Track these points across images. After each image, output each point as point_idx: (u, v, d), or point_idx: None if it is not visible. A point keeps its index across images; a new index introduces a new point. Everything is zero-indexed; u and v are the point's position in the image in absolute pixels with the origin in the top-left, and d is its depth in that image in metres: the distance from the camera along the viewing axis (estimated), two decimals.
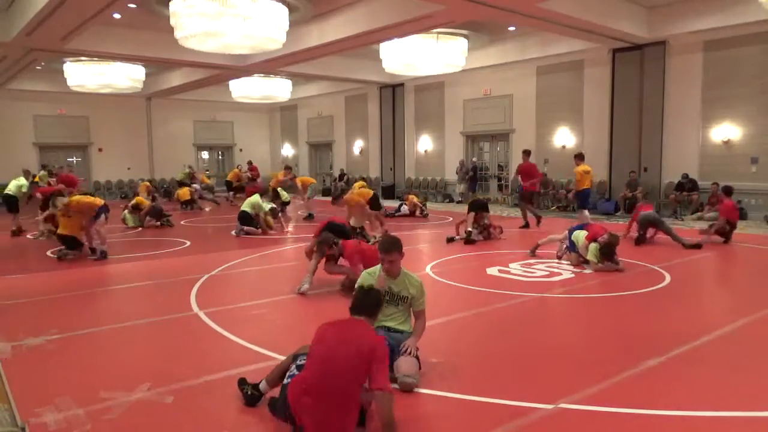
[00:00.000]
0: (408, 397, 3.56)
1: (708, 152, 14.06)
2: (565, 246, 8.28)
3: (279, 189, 14.71)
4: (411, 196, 15.45)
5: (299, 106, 26.56)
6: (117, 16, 13.03)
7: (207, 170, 23.37)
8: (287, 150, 28.06)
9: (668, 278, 7.06)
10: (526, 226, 11.94)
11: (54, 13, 10.91)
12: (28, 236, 11.28)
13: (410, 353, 3.76)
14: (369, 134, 23.38)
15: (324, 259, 6.60)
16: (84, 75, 17.41)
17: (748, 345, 4.61)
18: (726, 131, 13.72)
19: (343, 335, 3.09)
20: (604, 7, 12.62)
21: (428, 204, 16.39)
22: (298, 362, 3.28)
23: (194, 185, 18.90)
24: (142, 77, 18.69)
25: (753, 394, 3.64)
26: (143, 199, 13.84)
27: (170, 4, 10.92)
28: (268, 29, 11.09)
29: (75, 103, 22.46)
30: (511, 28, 14.98)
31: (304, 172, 25.49)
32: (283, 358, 4.15)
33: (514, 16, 12.15)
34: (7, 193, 12.04)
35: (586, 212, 11.68)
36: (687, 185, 14.02)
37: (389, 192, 21.40)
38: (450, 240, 10.15)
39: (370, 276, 4.12)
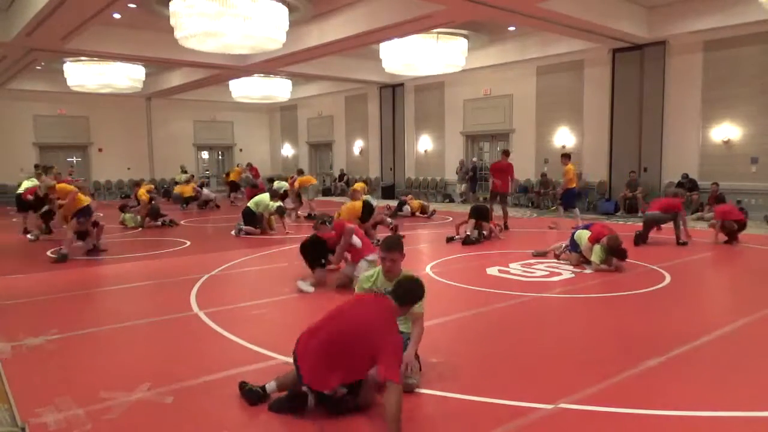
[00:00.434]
0: (408, 397, 3.56)
1: (708, 152, 14.06)
2: (564, 246, 8.28)
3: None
4: (414, 201, 15.38)
5: (299, 106, 26.57)
6: (117, 16, 13.03)
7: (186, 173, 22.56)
8: (287, 150, 28.06)
9: (668, 278, 7.06)
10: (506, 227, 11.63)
11: (54, 13, 10.91)
12: (28, 236, 11.27)
13: (410, 369, 3.58)
14: (369, 134, 23.39)
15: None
16: (84, 75, 17.41)
17: (748, 345, 4.61)
18: (726, 131, 13.72)
19: (369, 305, 3.39)
20: (604, 7, 12.62)
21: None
22: None
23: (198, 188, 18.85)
24: (142, 77, 18.69)
25: (753, 394, 3.64)
26: (144, 193, 13.83)
27: (170, 4, 10.92)
28: (268, 29, 11.09)
29: (75, 103, 22.46)
30: (511, 28, 14.98)
31: (304, 172, 25.47)
32: (283, 358, 4.17)
33: (514, 16, 12.15)
34: (19, 193, 12.05)
35: (577, 210, 11.88)
36: (687, 185, 14.02)
37: (389, 192, 21.40)
38: (450, 240, 10.15)
39: (368, 280, 4.04)
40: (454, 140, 20.11)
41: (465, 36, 15.05)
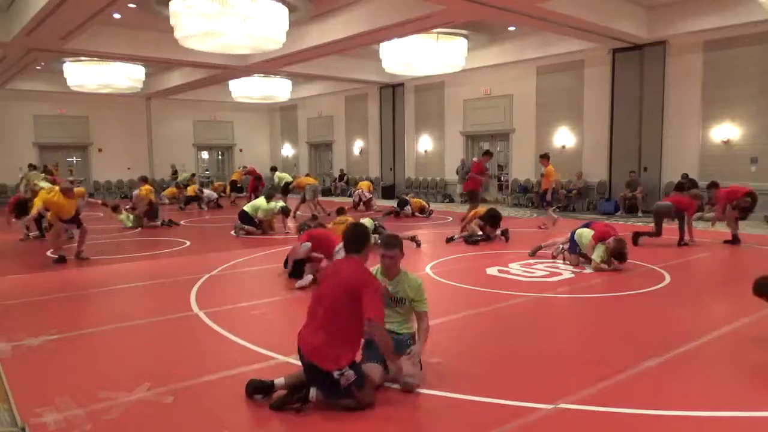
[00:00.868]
0: (408, 397, 3.56)
1: (708, 152, 14.06)
2: (561, 247, 8.26)
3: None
4: (415, 200, 15.39)
5: (299, 106, 26.57)
6: (117, 16, 13.04)
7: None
8: (287, 150, 28.07)
9: (668, 278, 7.06)
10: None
11: (54, 13, 10.92)
12: (32, 234, 11.23)
13: (415, 362, 3.69)
14: (369, 134, 23.39)
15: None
16: (84, 75, 17.43)
17: (748, 345, 4.60)
18: (726, 131, 13.72)
19: (336, 273, 3.50)
20: (604, 7, 12.62)
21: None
22: None
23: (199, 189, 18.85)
24: (142, 77, 18.70)
25: (753, 394, 3.64)
26: (149, 191, 13.82)
27: (170, 4, 10.93)
28: (268, 29, 11.10)
29: (75, 103, 22.47)
30: (511, 28, 14.98)
31: (304, 173, 25.48)
32: (283, 358, 4.17)
33: (514, 16, 12.15)
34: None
35: (550, 210, 12.07)
36: (687, 185, 13.99)
37: (389, 192, 21.40)
38: (450, 240, 10.14)
39: None
40: (454, 140, 20.12)
41: (465, 36, 15.05)
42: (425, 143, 21.27)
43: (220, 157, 28.29)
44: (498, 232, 10.23)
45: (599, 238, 7.62)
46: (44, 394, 3.65)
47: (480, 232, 10.03)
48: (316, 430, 3.22)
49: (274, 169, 17.98)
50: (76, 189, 9.29)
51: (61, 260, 8.50)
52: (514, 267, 7.82)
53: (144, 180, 14.31)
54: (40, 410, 3.39)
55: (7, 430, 3.17)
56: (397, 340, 3.86)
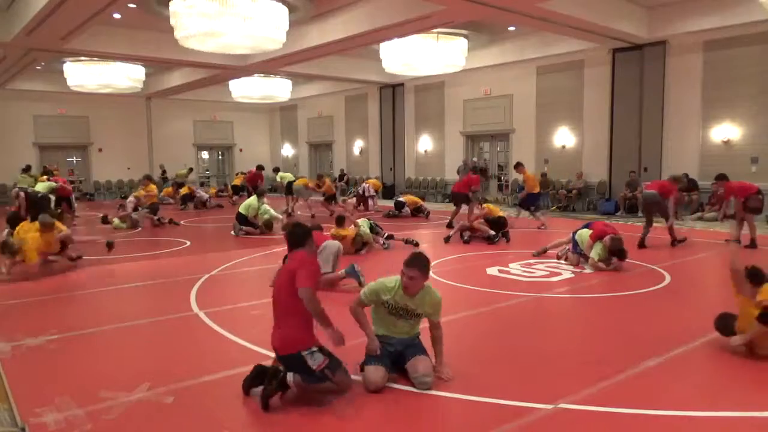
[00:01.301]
0: (408, 397, 3.56)
1: (708, 152, 14.06)
2: (566, 248, 8.27)
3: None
4: (409, 197, 15.41)
5: (299, 106, 26.56)
6: (117, 16, 13.03)
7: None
8: (287, 150, 28.07)
9: (668, 278, 7.06)
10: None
11: (54, 13, 10.91)
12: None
13: (448, 377, 3.78)
14: (369, 134, 23.38)
15: None
16: (84, 75, 17.41)
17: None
18: (726, 131, 13.72)
19: (289, 262, 3.65)
20: (604, 7, 12.61)
21: (428, 204, 16.40)
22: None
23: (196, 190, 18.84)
24: (142, 77, 18.69)
25: (752, 394, 3.64)
26: (153, 188, 13.78)
27: (170, 4, 10.92)
28: (268, 29, 11.08)
29: (75, 103, 22.46)
30: (511, 28, 14.98)
31: (304, 173, 25.49)
32: None
33: (514, 16, 12.15)
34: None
35: (539, 213, 12.03)
36: (687, 185, 14.01)
37: (389, 192, 21.40)
38: (447, 240, 10.14)
39: (388, 291, 3.81)
40: (454, 140, 20.12)
41: (465, 36, 15.05)
42: (425, 143, 21.27)
43: (220, 157, 28.29)
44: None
45: (597, 237, 7.65)
46: (44, 394, 3.65)
47: (493, 232, 10.01)
48: (316, 430, 3.23)
49: (276, 170, 17.99)
50: (58, 225, 8.07)
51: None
52: (514, 267, 7.82)
53: (148, 178, 14.32)
54: (40, 410, 3.40)
55: (7, 430, 3.17)
56: (405, 341, 3.89)
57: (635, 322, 5.29)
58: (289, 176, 16.19)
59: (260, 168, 17.91)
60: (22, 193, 11.05)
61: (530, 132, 17.78)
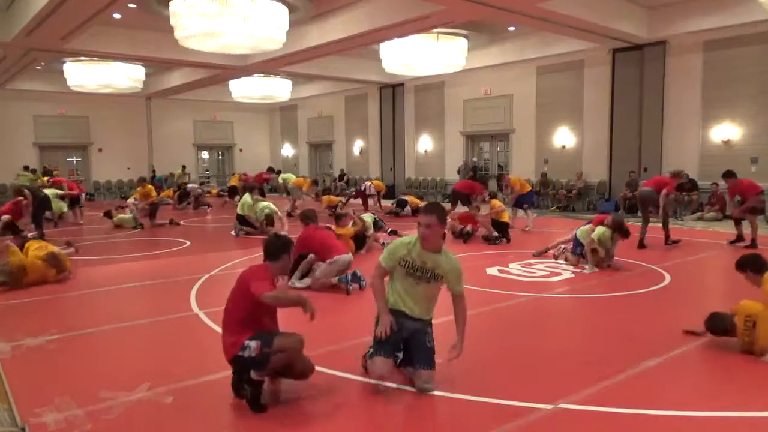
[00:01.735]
0: (408, 397, 3.56)
1: (708, 152, 14.06)
2: (563, 247, 8.26)
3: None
4: (410, 197, 15.44)
5: (299, 106, 26.57)
6: (117, 16, 13.04)
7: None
8: (287, 150, 28.07)
9: (668, 278, 7.06)
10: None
11: (54, 13, 10.91)
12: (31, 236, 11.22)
13: (458, 355, 3.59)
14: (369, 134, 23.39)
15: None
16: (84, 75, 17.42)
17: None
18: (726, 131, 13.73)
19: (238, 279, 3.55)
20: (604, 7, 12.62)
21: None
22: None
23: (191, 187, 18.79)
24: (142, 77, 18.70)
25: (753, 394, 3.64)
26: (152, 189, 13.76)
27: (170, 4, 10.92)
28: (268, 29, 11.09)
29: (75, 103, 22.46)
30: (511, 28, 14.98)
31: (304, 173, 25.50)
32: None
33: (514, 16, 12.15)
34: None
35: (530, 212, 11.96)
36: (687, 185, 14.01)
37: (390, 192, 21.36)
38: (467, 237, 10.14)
39: (404, 246, 3.60)
40: (454, 140, 20.12)
41: (465, 36, 15.05)
42: (425, 143, 21.27)
43: (220, 157, 28.30)
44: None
45: (598, 223, 7.78)
46: (44, 394, 3.65)
47: (496, 233, 10.02)
48: (315, 429, 3.23)
49: (278, 173, 17.97)
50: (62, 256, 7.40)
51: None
52: (514, 267, 7.82)
53: (144, 180, 14.31)
54: (40, 410, 3.39)
55: (7, 430, 3.17)
56: (412, 327, 3.69)
57: (635, 322, 5.29)
58: (290, 177, 16.22)
59: (270, 170, 17.88)
60: (27, 191, 10.95)
61: (530, 132, 17.79)
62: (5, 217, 10.57)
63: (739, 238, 9.33)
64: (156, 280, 7.34)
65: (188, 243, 10.54)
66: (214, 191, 23.18)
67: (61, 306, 6.19)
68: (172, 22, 10.98)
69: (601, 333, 5.08)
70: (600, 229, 7.62)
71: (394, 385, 3.61)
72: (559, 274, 7.44)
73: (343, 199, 16.41)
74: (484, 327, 5.26)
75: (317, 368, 4.12)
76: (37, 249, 7.14)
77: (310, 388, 3.73)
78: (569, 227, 8.88)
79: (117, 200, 20.68)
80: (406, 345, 3.74)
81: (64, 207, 13.44)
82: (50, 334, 4.95)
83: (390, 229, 9.83)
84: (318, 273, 6.54)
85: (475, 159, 19.74)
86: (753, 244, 9.05)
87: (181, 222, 13.90)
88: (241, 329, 3.44)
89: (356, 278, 6.54)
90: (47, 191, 12.05)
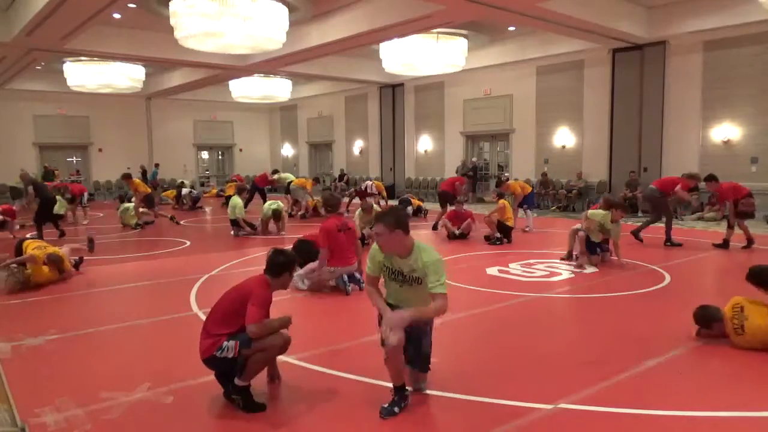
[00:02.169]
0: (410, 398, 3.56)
1: (708, 152, 14.06)
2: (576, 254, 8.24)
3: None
4: (414, 199, 15.46)
5: (299, 106, 26.57)
6: (117, 16, 13.05)
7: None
8: (287, 150, 28.07)
9: (668, 278, 7.06)
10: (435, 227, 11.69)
11: (54, 13, 10.91)
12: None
13: (393, 324, 3.16)
14: (369, 134, 23.39)
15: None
16: (84, 75, 17.42)
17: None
18: (726, 131, 13.72)
19: (245, 281, 3.60)
20: (604, 7, 12.62)
21: (427, 204, 16.41)
22: None
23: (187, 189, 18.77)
24: (142, 77, 18.70)
25: (753, 394, 3.64)
26: (141, 183, 13.75)
27: (170, 4, 10.92)
28: (268, 29, 11.09)
29: (75, 103, 22.47)
30: (511, 28, 14.99)
31: (304, 173, 25.51)
32: (282, 357, 4.16)
33: (514, 16, 12.15)
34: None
35: (529, 212, 11.88)
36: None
37: (390, 192, 21.36)
38: (435, 227, 10.22)
39: (378, 251, 3.49)
40: (454, 140, 20.12)
41: (465, 36, 15.05)
42: (425, 143, 21.26)
43: (220, 157, 28.30)
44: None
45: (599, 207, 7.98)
46: (44, 394, 3.65)
47: (498, 234, 10.03)
48: (315, 428, 3.23)
49: (276, 172, 17.95)
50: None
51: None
52: (514, 267, 7.82)
53: (128, 177, 14.14)
54: (40, 410, 3.39)
55: (7, 430, 3.17)
56: (419, 325, 3.46)
57: (635, 322, 5.29)
58: (289, 176, 16.22)
59: (275, 173, 17.91)
60: (30, 188, 10.90)
61: (530, 132, 17.79)
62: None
63: (726, 243, 9.22)
64: (156, 280, 7.34)
65: (188, 243, 10.54)
66: (214, 191, 23.22)
67: (61, 306, 6.18)
68: (172, 22, 10.98)
69: (601, 333, 5.07)
70: (599, 213, 7.68)
71: (393, 388, 3.61)
72: (559, 274, 7.45)
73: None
74: (484, 327, 5.26)
75: (317, 368, 4.13)
76: (35, 249, 7.14)
77: (310, 388, 3.73)
78: (569, 228, 8.85)
79: (117, 200, 20.69)
80: (408, 337, 3.49)
81: (62, 209, 13.45)
82: (50, 334, 4.95)
83: None
84: (316, 274, 6.51)
85: (475, 159, 19.74)
86: (749, 243, 9.08)
87: (182, 222, 13.90)
88: (219, 329, 3.45)
89: (354, 279, 6.53)
90: (59, 206, 12.02)
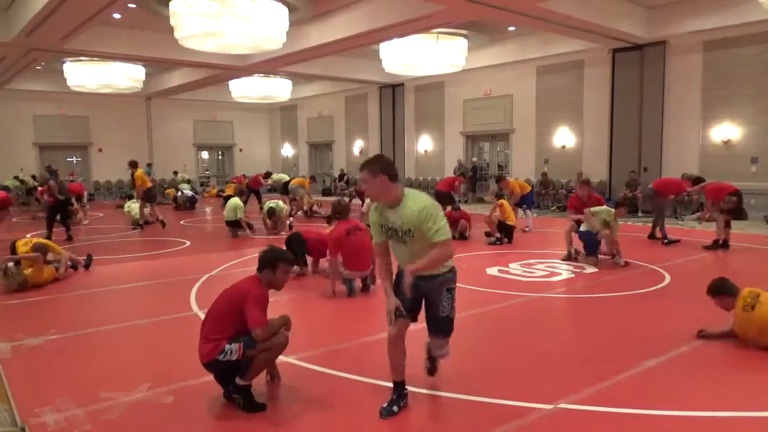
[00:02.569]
0: (408, 397, 3.56)
1: (708, 152, 14.06)
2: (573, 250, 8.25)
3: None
4: None
5: (299, 106, 26.57)
6: (117, 16, 13.04)
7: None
8: (287, 150, 28.06)
9: (668, 278, 7.06)
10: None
11: (54, 13, 10.91)
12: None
13: (407, 276, 3.11)
14: (369, 134, 23.38)
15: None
16: (84, 75, 17.41)
17: (748, 345, 4.60)
18: (726, 131, 13.72)
19: (231, 288, 3.61)
20: (604, 7, 12.62)
21: None
22: None
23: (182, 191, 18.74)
24: (142, 77, 18.69)
25: (753, 394, 3.64)
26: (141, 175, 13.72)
27: (170, 4, 10.92)
28: (268, 29, 11.08)
29: (75, 103, 22.46)
30: (511, 28, 14.98)
31: (304, 173, 25.49)
32: (282, 357, 4.16)
33: (514, 16, 12.15)
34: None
35: (529, 212, 11.88)
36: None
37: None
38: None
39: (373, 211, 3.39)
40: (454, 140, 20.11)
41: (465, 36, 15.05)
42: (425, 143, 21.26)
43: (220, 157, 28.29)
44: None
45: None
46: (44, 394, 3.65)
47: (498, 234, 10.04)
48: (315, 428, 3.23)
49: (267, 174, 17.88)
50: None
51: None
52: (514, 267, 7.82)
53: (134, 165, 13.97)
54: (40, 410, 3.40)
55: (7, 430, 3.17)
56: (432, 288, 3.39)
57: (635, 322, 5.29)
58: (284, 177, 16.19)
59: (268, 174, 17.93)
60: (52, 182, 10.82)
61: (530, 132, 17.79)
62: None
63: (716, 243, 9.22)
64: (156, 280, 7.34)
65: (188, 243, 10.54)
66: (215, 190, 23.20)
67: (61, 306, 6.18)
68: (172, 22, 10.97)
69: (601, 333, 5.07)
70: (603, 210, 7.80)
71: (393, 385, 3.60)
72: (559, 274, 7.45)
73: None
74: (484, 327, 5.26)
75: (317, 368, 4.13)
76: (23, 245, 7.22)
77: (310, 388, 3.73)
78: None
79: (117, 200, 20.70)
80: (427, 300, 3.47)
81: None
82: (50, 334, 4.96)
83: None
84: (331, 269, 6.46)
85: (475, 159, 19.74)
86: (723, 244, 9.13)
87: (181, 222, 13.90)
88: (218, 333, 3.43)
89: (364, 283, 6.51)
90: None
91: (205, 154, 27.78)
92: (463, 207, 12.01)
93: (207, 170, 27.83)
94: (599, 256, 8.00)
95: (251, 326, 3.37)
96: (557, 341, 4.85)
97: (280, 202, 12.13)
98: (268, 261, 3.58)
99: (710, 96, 13.88)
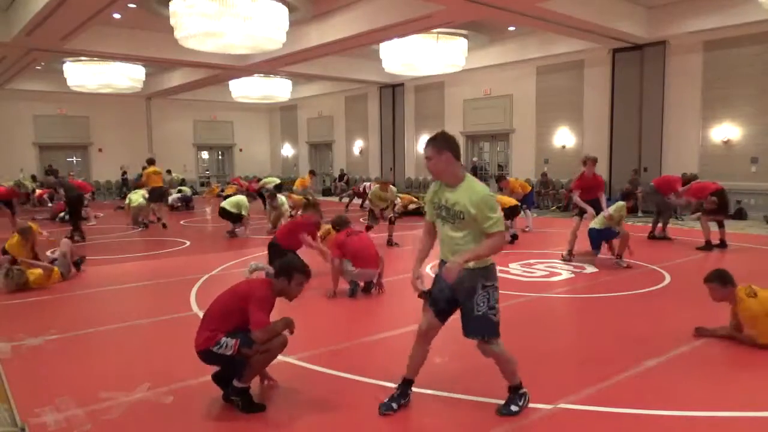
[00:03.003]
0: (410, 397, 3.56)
1: (708, 152, 14.06)
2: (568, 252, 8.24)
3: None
4: (405, 196, 15.49)
5: (299, 106, 26.57)
6: (117, 16, 13.04)
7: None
8: (287, 150, 28.07)
9: (668, 278, 7.06)
10: None
11: (54, 13, 10.92)
12: None
13: (453, 266, 2.99)
14: (369, 134, 23.39)
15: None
16: (84, 75, 17.41)
17: (748, 345, 4.60)
18: (726, 131, 13.72)
19: (241, 284, 3.65)
20: (604, 7, 12.62)
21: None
22: None
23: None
24: (142, 77, 18.70)
25: (753, 394, 3.64)
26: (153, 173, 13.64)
27: (170, 4, 10.92)
28: (268, 29, 11.08)
29: (75, 103, 22.46)
30: (511, 28, 14.98)
31: (304, 173, 25.46)
32: (282, 357, 4.16)
33: (514, 16, 12.15)
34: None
35: (529, 212, 11.81)
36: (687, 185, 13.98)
37: None
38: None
39: (433, 192, 3.33)
40: None
41: (465, 36, 15.04)
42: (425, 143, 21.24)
43: (220, 157, 28.29)
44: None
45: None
46: (44, 394, 3.65)
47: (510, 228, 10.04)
48: (315, 427, 3.23)
49: (258, 180, 17.84)
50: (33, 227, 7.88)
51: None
52: (514, 267, 7.82)
53: (152, 162, 13.63)
54: (40, 410, 3.40)
55: (7, 430, 3.17)
56: (466, 284, 3.19)
57: (635, 322, 5.29)
58: (274, 180, 16.14)
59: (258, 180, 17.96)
60: (61, 190, 10.88)
61: (530, 132, 17.78)
62: None
63: (708, 244, 9.19)
64: (156, 280, 7.34)
65: (188, 243, 10.54)
66: (216, 190, 23.15)
67: (61, 306, 6.18)
68: (172, 22, 10.98)
69: (601, 333, 5.07)
70: (619, 204, 7.89)
71: (393, 385, 3.60)
72: (559, 274, 7.45)
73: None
74: None
75: (317, 368, 4.13)
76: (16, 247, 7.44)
77: (310, 388, 3.73)
78: (569, 227, 8.85)
79: (117, 200, 20.71)
80: (456, 301, 3.35)
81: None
82: (50, 334, 4.96)
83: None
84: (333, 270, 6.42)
85: (475, 159, 19.74)
86: (721, 244, 9.16)
87: (181, 222, 13.91)
88: (218, 324, 3.45)
89: (368, 285, 6.48)
90: (27, 183, 12.07)
91: (205, 154, 27.78)
92: None
93: (207, 170, 27.83)
94: (601, 256, 8.00)
95: (252, 327, 3.37)
96: (557, 341, 4.85)
97: (283, 197, 12.15)
98: (285, 270, 3.55)
99: (710, 96, 13.88)
